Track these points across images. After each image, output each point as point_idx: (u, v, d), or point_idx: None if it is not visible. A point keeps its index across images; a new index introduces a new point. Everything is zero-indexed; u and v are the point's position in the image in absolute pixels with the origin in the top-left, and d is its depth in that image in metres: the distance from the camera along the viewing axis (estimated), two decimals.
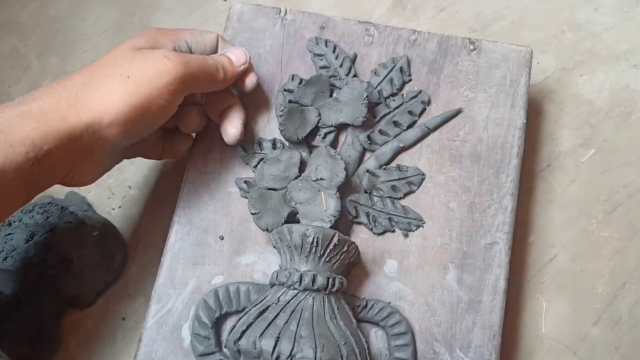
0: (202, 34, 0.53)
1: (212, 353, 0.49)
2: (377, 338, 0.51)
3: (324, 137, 0.54)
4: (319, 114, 0.54)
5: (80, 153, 0.45)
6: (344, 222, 0.52)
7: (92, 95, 0.45)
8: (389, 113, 0.55)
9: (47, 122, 0.42)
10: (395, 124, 0.55)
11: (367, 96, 0.53)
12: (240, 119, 0.53)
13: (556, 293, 0.59)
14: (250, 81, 0.54)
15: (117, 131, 0.46)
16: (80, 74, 0.46)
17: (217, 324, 0.50)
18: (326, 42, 0.57)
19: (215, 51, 0.54)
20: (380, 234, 0.53)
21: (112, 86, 0.45)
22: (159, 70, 0.46)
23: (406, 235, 0.53)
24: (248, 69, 0.54)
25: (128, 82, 0.45)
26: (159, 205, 0.62)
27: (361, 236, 0.53)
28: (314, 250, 0.46)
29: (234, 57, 0.52)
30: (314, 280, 0.46)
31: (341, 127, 0.55)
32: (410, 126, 0.55)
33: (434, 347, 0.50)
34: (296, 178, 0.52)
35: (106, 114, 0.45)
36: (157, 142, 0.56)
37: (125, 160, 0.65)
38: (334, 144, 0.55)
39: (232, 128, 0.52)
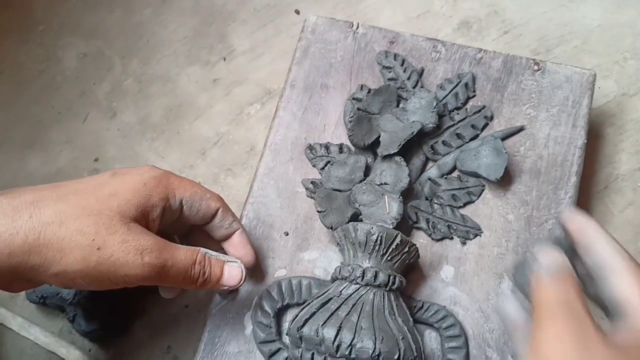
0: (203, 199, 0.48)
1: (273, 341, 0.52)
2: (430, 339, 0.52)
3: None
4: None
5: (17, 279, 0.41)
6: (404, 226, 0.54)
7: (52, 242, 0.40)
8: (452, 125, 0.58)
9: None
10: (458, 136, 0.57)
11: (436, 104, 0.55)
12: (248, 243, 0.51)
13: None
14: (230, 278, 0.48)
15: (60, 283, 0.42)
16: (55, 209, 0.41)
17: (279, 314, 0.53)
18: (395, 55, 0.60)
19: (209, 219, 0.49)
20: (438, 240, 0.55)
21: (76, 247, 0.40)
22: (126, 265, 0.42)
23: (464, 243, 0.55)
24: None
25: (93, 254, 0.41)
26: (227, 202, 0.65)
27: (420, 241, 0.55)
28: (377, 248, 0.49)
29: (227, 275, 0.48)
30: (375, 276, 0.48)
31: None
32: (472, 139, 0.57)
33: (486, 352, 0.52)
34: (361, 181, 0.55)
35: (54, 267, 0.40)
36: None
37: (196, 158, 0.69)
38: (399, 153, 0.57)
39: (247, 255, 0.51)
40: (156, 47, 0.75)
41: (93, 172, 0.69)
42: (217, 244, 0.52)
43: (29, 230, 0.39)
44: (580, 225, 0.41)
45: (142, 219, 0.44)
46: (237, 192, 0.67)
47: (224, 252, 0.52)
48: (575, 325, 0.35)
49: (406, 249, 0.50)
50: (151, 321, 0.62)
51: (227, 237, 0.51)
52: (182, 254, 0.45)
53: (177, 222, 0.49)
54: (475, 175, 0.56)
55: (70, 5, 0.77)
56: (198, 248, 0.47)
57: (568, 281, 0.38)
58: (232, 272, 0.48)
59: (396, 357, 0.46)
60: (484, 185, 0.56)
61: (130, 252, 0.42)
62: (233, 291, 0.53)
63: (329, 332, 0.46)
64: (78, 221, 0.41)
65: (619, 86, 0.68)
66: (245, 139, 0.69)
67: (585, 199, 0.63)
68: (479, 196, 0.56)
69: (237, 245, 0.51)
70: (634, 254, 0.61)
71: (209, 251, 0.48)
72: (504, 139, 0.57)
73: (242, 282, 0.49)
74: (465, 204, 0.56)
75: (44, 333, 0.61)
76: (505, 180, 0.56)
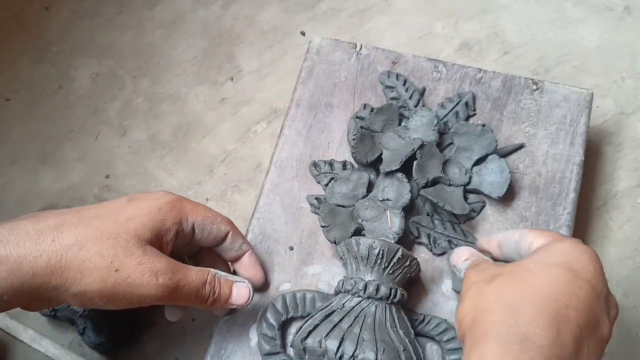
0: (214, 223, 0.50)
1: (277, 353, 0.53)
2: (432, 352, 0.53)
3: None
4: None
5: (38, 298, 0.43)
6: (406, 241, 0.56)
7: (73, 264, 0.42)
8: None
9: (18, 274, 0.41)
10: None
11: (437, 122, 0.57)
12: (258, 264, 0.54)
13: None
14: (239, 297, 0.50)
15: (79, 303, 0.44)
16: (76, 232, 0.43)
17: (283, 326, 0.54)
18: (397, 75, 0.62)
19: (219, 241, 0.52)
20: (439, 255, 0.56)
21: (95, 269, 0.43)
22: (142, 285, 0.44)
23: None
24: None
25: (111, 275, 0.43)
26: (233, 217, 0.67)
27: (421, 255, 0.56)
28: (379, 262, 0.50)
29: (235, 295, 0.50)
30: (377, 289, 0.50)
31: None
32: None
33: None
34: (364, 197, 0.56)
35: (74, 288, 0.42)
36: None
37: (204, 175, 0.71)
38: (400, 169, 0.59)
39: (257, 277, 0.54)
40: (166, 67, 0.77)
41: (104, 188, 0.71)
42: (225, 264, 0.54)
43: (51, 252, 0.42)
44: (484, 240, 0.51)
45: (157, 241, 0.46)
46: (243, 208, 0.68)
47: (233, 272, 0.53)
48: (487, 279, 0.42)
49: (407, 262, 0.51)
50: (159, 333, 0.63)
51: (237, 258, 0.53)
52: (194, 275, 0.47)
53: (189, 244, 0.51)
54: (477, 192, 0.57)
55: (84, 26, 0.80)
56: (208, 269, 0.49)
57: (480, 264, 0.46)
58: (240, 292, 0.50)
59: None
60: (484, 202, 0.57)
61: (146, 273, 0.44)
62: (232, 311, 0.55)
63: (331, 344, 0.47)
64: (97, 244, 0.43)
65: (617, 105, 0.70)
66: (252, 156, 0.71)
67: (584, 216, 0.64)
68: (479, 212, 0.57)
69: (247, 266, 0.53)
70: (633, 270, 0.62)
71: (219, 272, 0.50)
72: (504, 156, 0.59)
73: (249, 301, 0.50)
74: (465, 220, 0.57)
75: (55, 345, 0.63)
76: (505, 197, 0.57)
